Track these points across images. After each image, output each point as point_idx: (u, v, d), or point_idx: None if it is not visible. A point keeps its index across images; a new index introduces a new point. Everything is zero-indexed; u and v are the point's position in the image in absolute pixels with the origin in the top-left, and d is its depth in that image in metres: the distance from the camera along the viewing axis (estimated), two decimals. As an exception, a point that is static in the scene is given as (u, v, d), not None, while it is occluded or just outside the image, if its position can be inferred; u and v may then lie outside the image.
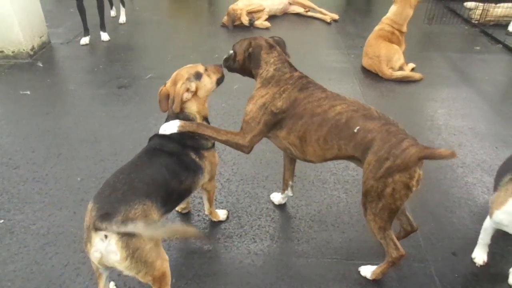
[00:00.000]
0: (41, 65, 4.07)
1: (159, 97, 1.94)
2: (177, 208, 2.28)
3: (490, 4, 5.31)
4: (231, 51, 2.12)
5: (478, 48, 4.76)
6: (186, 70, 1.94)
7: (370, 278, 1.96)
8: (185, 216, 2.31)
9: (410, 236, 2.06)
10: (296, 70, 2.01)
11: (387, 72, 3.87)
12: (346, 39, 4.94)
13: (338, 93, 1.95)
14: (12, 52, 4.11)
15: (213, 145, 2.02)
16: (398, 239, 1.92)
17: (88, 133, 2.99)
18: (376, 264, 1.96)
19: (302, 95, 1.91)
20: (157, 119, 3.12)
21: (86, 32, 4.56)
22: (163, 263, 1.61)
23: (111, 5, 5.39)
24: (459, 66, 4.27)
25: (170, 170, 1.77)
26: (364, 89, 3.71)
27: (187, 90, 1.88)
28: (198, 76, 1.94)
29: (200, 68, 1.97)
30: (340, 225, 2.24)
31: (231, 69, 2.16)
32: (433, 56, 4.48)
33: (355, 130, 1.77)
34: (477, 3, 5.58)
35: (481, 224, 2.06)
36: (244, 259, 2.04)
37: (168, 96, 1.91)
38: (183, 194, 1.86)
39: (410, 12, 3.94)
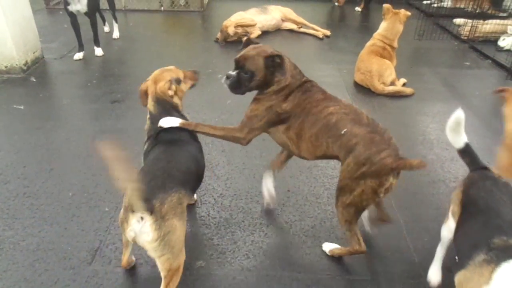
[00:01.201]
0: (34, 80, 4.06)
1: (139, 93, 2.09)
2: None
3: (479, 21, 5.42)
4: (233, 73, 2.04)
5: (468, 63, 4.85)
6: (168, 73, 2.08)
7: (328, 253, 2.16)
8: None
9: (403, 252, 2.05)
10: (303, 75, 2.12)
11: (379, 87, 3.91)
12: (338, 54, 5.00)
13: (336, 96, 2.08)
14: (5, 67, 4.10)
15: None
16: (374, 222, 2.23)
17: (81, 147, 2.97)
18: (370, 283, 1.94)
19: (304, 97, 2.03)
20: (150, 134, 3.12)
21: (80, 47, 4.57)
22: (183, 257, 1.74)
23: (104, 21, 5.41)
24: (449, 81, 4.34)
25: (195, 157, 1.95)
26: (357, 104, 3.74)
27: (168, 89, 2.04)
28: (178, 81, 2.11)
29: (180, 74, 2.14)
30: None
31: (242, 92, 2.09)
32: (424, 72, 4.55)
33: (342, 132, 1.91)
34: (466, 20, 5.71)
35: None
36: (237, 275, 2.02)
37: (146, 92, 2.06)
38: (201, 176, 2.03)
39: (400, 27, 4.01)
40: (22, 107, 3.54)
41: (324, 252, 2.16)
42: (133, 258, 2.06)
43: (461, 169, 2.88)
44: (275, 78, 2.02)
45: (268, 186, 2.44)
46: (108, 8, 5.20)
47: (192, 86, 2.23)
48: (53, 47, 4.86)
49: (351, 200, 1.90)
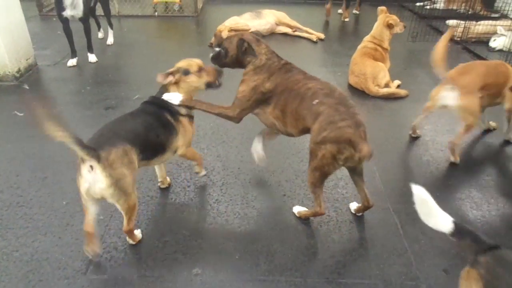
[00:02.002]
0: (27, 87, 4.04)
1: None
2: (159, 184, 2.63)
3: (471, 22, 5.46)
4: (217, 49, 2.45)
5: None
6: (185, 63, 2.32)
7: (297, 215, 2.39)
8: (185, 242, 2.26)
9: (400, 254, 2.04)
10: (282, 59, 2.38)
11: (373, 89, 3.92)
12: (333, 57, 5.01)
13: (315, 76, 2.33)
14: (-2, 74, 4.08)
15: (190, 115, 2.37)
16: (359, 211, 2.42)
17: (75, 155, 2.93)
18: (367, 286, 1.93)
19: (285, 76, 2.29)
20: (144, 140, 3.10)
21: (73, 54, 4.55)
22: (136, 196, 2.00)
23: (99, 27, 5.42)
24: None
25: (148, 125, 2.15)
26: (352, 107, 3.75)
27: (171, 74, 2.26)
28: (186, 72, 2.29)
29: (193, 67, 2.31)
30: (330, 245, 2.22)
31: (222, 65, 2.45)
32: (418, 73, 4.57)
33: (314, 103, 2.13)
34: (459, 21, 5.74)
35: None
36: (234, 281, 2.00)
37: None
38: (159, 147, 2.21)
39: (385, 30, 4.04)
40: (17, 113, 3.51)
41: (321, 256, 2.14)
42: (98, 250, 2.11)
43: (457, 170, 2.88)
44: (247, 58, 2.36)
45: (257, 149, 2.68)
46: (103, 14, 5.18)
47: (210, 85, 2.37)
48: (46, 54, 4.84)
49: (316, 164, 2.11)
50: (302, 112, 2.18)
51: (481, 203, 2.56)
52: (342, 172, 2.81)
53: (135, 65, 4.64)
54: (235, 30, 5.18)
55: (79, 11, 4.28)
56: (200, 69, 2.31)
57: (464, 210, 2.50)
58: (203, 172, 2.72)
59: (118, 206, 1.96)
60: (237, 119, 2.39)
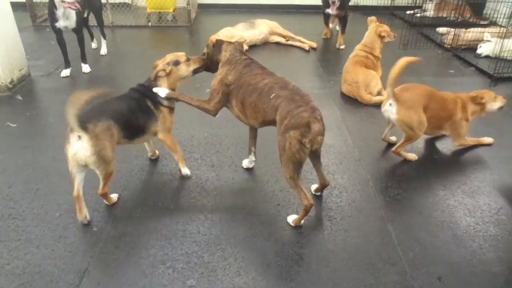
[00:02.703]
0: (20, 98, 4.02)
1: (153, 67, 2.66)
2: (149, 155, 3.02)
3: (461, 29, 5.54)
4: (203, 57, 2.79)
5: (452, 71, 4.93)
6: (172, 56, 2.65)
7: (292, 225, 2.41)
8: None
9: (394, 263, 2.05)
10: (246, 55, 2.64)
11: (366, 97, 3.95)
12: (325, 66, 5.05)
13: (272, 72, 2.53)
14: (-10, 86, 4.06)
15: (171, 107, 2.67)
16: (318, 190, 2.65)
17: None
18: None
19: (244, 70, 2.50)
20: (138, 151, 3.09)
21: (67, 64, 4.55)
22: (114, 165, 2.33)
23: (92, 37, 5.42)
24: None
25: (130, 107, 2.47)
26: (344, 115, 3.78)
27: (163, 69, 2.58)
28: (176, 63, 2.63)
29: (181, 57, 2.66)
30: (325, 254, 2.22)
31: (207, 69, 2.78)
32: (409, 80, 4.54)
33: (271, 97, 2.32)
34: (449, 29, 5.82)
35: (466, 248, 2.06)
36: (228, 293, 1.99)
37: (155, 67, 2.64)
38: (139, 128, 2.53)
39: (377, 39, 4.09)
40: (10, 124, 3.50)
41: (316, 266, 2.14)
42: (87, 214, 2.41)
43: (450, 177, 2.90)
44: (217, 55, 2.68)
45: (246, 164, 2.96)
46: (96, 24, 5.19)
47: (196, 71, 2.71)
48: (39, 65, 4.83)
49: (287, 155, 2.21)
50: (262, 106, 2.37)
51: (474, 210, 2.58)
52: (336, 181, 2.83)
53: (128, 75, 4.65)
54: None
55: (72, 22, 4.28)
56: (188, 59, 2.66)
57: (458, 217, 2.52)
58: (187, 171, 2.83)
59: (98, 172, 2.28)
60: (213, 111, 2.65)
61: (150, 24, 6.57)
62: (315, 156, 2.46)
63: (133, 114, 2.49)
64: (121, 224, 2.42)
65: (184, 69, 2.66)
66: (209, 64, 2.75)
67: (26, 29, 6.02)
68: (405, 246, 2.28)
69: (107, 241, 2.30)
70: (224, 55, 2.63)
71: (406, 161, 3.08)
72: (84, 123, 2.13)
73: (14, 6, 4.30)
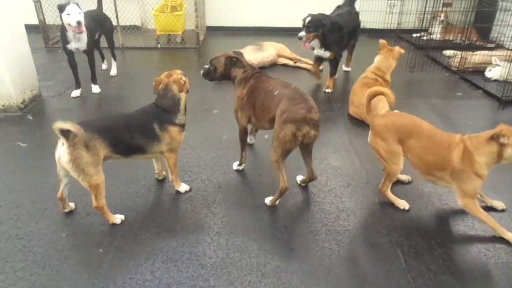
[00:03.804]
0: (31, 118, 4.08)
1: (155, 83, 2.67)
2: (155, 175, 3.04)
3: (468, 52, 5.56)
4: (207, 66, 3.07)
5: (459, 94, 4.93)
6: (176, 71, 2.71)
7: (269, 204, 2.74)
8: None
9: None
10: (254, 68, 2.99)
11: (373, 119, 3.94)
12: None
13: (277, 78, 2.90)
14: (2, 105, 4.13)
15: (182, 125, 2.70)
16: (304, 182, 2.94)
17: (76, 187, 2.91)
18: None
19: (254, 82, 2.88)
20: (145, 171, 3.11)
21: (77, 85, 4.63)
22: (99, 178, 2.40)
23: (103, 58, 5.53)
24: (442, 112, 4.40)
25: (126, 127, 2.53)
26: (352, 137, 3.77)
27: (180, 79, 2.66)
28: (184, 75, 2.76)
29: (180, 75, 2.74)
30: (333, 279, 2.18)
31: (212, 79, 3.04)
32: (416, 103, 4.62)
33: (275, 93, 2.68)
34: (455, 51, 5.85)
35: (477, 275, 2.00)
36: (234, 318, 1.96)
37: (160, 83, 2.66)
38: (134, 148, 2.58)
39: (393, 63, 4.09)
40: (20, 143, 3.54)
41: (323, 291, 2.11)
42: (72, 205, 2.70)
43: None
44: (232, 72, 2.98)
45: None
46: (107, 46, 5.30)
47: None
48: (51, 85, 4.92)
49: (279, 142, 2.53)
50: (267, 103, 2.71)
51: (485, 236, 2.53)
52: (344, 204, 2.80)
53: (137, 95, 4.71)
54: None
55: (83, 44, 4.38)
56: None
57: (468, 243, 2.47)
58: (180, 189, 2.90)
59: (81, 182, 2.38)
60: (242, 128, 3.07)
61: (159, 46, 6.70)
62: (307, 150, 2.74)
63: (127, 133, 2.52)
64: (126, 246, 2.41)
65: (188, 83, 2.77)
66: (216, 77, 3.05)
67: (38, 50, 6.17)
68: (415, 272, 2.24)
69: (113, 262, 2.28)
70: (240, 73, 2.95)
71: (414, 183, 3.05)
72: (68, 131, 2.24)
73: (28, 28, 4.42)
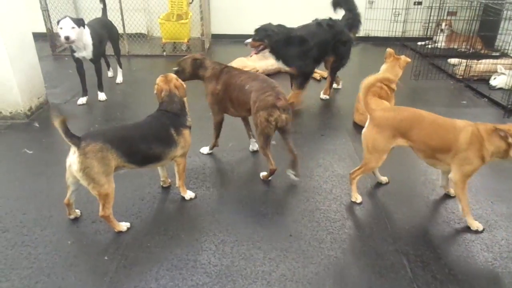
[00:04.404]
0: (38, 125, 4.11)
1: (157, 92, 2.73)
2: (161, 183, 3.05)
3: (473, 60, 5.56)
4: (175, 68, 3.28)
5: (464, 102, 4.92)
6: (171, 75, 2.79)
7: (262, 178, 3.13)
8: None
9: None
10: (221, 64, 3.26)
11: (378, 127, 3.94)
12: (336, 95, 5.09)
13: (248, 71, 3.33)
14: (10, 113, 4.17)
15: (190, 127, 2.77)
16: (292, 166, 3.07)
17: (81, 194, 2.93)
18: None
19: (227, 76, 3.16)
20: (151, 178, 3.12)
21: (84, 92, 4.67)
22: (109, 188, 2.39)
23: (108, 66, 5.58)
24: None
25: (143, 137, 2.54)
26: (357, 145, 3.77)
27: (181, 83, 2.75)
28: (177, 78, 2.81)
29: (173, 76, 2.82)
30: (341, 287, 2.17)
31: (183, 79, 3.00)
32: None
33: (247, 87, 2.99)
34: (460, 60, 5.85)
35: (484, 284, 1.98)
36: (239, 327, 1.94)
37: (162, 90, 2.70)
38: (151, 158, 2.59)
39: (399, 72, 4.09)
40: (27, 151, 3.56)
41: (328, 300, 2.09)
42: (78, 212, 2.72)
43: (465, 210, 2.84)
44: (199, 72, 3.25)
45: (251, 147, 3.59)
46: (113, 53, 5.35)
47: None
48: (57, 92, 4.97)
49: (259, 130, 2.89)
50: (242, 97, 3.02)
51: (492, 245, 2.51)
52: (348, 212, 2.79)
53: (143, 103, 4.74)
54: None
55: (89, 53, 4.45)
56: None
57: (475, 252, 2.45)
58: (186, 196, 2.92)
59: (91, 191, 2.38)
60: (219, 121, 3.35)
61: (165, 53, 6.75)
62: (284, 132, 2.96)
63: (144, 144, 2.52)
64: (131, 253, 2.41)
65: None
66: (186, 77, 3.25)
67: (45, 58, 6.23)
68: (422, 282, 2.22)
69: (118, 270, 2.28)
70: (208, 71, 3.21)
71: (419, 192, 3.04)
72: (78, 139, 2.29)
73: (35, 36, 4.47)
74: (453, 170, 2.61)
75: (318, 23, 4.51)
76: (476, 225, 2.64)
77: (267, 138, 2.90)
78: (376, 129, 2.71)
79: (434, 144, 2.61)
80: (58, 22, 4.18)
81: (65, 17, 4.18)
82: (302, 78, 4.40)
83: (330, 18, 4.63)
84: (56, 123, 2.22)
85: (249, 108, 2.97)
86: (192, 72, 3.25)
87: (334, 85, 5.18)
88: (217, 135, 3.44)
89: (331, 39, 4.53)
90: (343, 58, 4.76)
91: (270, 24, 4.25)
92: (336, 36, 4.55)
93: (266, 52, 4.33)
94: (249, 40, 4.24)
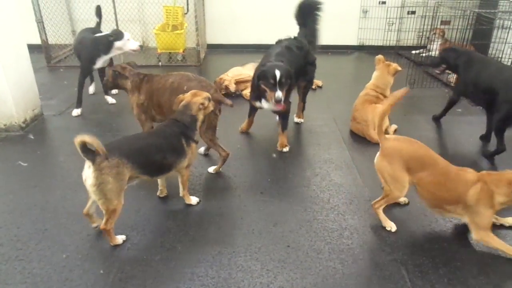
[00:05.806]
0: (32, 137, 4.08)
1: (176, 100, 2.77)
2: (157, 193, 3.03)
3: (467, 69, 5.59)
4: (105, 78, 3.62)
5: (459, 110, 4.93)
6: (202, 93, 2.77)
7: (213, 172, 3.33)
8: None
9: None
10: (139, 74, 3.28)
11: (375, 136, 3.94)
12: (333, 104, 5.10)
13: (171, 73, 3.23)
14: (4, 125, 4.14)
15: (197, 141, 2.79)
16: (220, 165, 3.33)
17: (76, 206, 2.92)
18: None
19: (148, 85, 3.22)
20: (148, 191, 3.09)
21: (79, 104, 4.65)
22: (118, 204, 2.38)
23: (91, 81, 5.40)
24: (443, 128, 4.41)
25: (158, 147, 2.55)
26: (353, 154, 3.77)
27: (202, 104, 2.72)
28: (209, 99, 2.79)
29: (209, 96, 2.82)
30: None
31: (110, 88, 3.43)
32: (417, 119, 4.63)
33: (185, 88, 3.00)
34: (454, 68, 5.88)
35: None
36: None
37: (182, 101, 2.74)
38: (164, 167, 2.63)
39: (390, 79, 4.13)
40: (22, 163, 3.53)
41: (328, 312, 2.07)
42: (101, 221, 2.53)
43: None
44: (119, 83, 3.31)
45: None
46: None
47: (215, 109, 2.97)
48: (52, 104, 4.94)
49: (206, 125, 3.07)
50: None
51: (492, 255, 2.50)
52: (347, 222, 2.78)
53: (139, 113, 4.72)
54: (240, 82, 5.34)
55: (106, 61, 4.65)
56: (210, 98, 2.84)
57: (474, 261, 2.44)
58: (192, 201, 2.96)
59: (99, 205, 2.35)
60: (149, 128, 3.36)
61: (160, 63, 6.75)
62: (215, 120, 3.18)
63: (159, 154, 2.55)
64: (128, 267, 2.37)
65: (210, 107, 2.81)
66: (111, 86, 3.44)
67: (40, 69, 6.21)
68: (421, 292, 2.20)
69: (114, 284, 2.25)
70: (128, 82, 3.27)
71: (417, 201, 3.03)
72: (93, 154, 2.24)
73: (30, 48, 4.45)
74: (470, 228, 2.53)
75: (287, 47, 3.94)
76: None
77: (214, 131, 3.16)
78: (386, 160, 2.59)
79: (443, 196, 2.51)
80: (119, 36, 4.45)
81: (121, 31, 4.57)
82: (287, 114, 3.80)
83: (295, 38, 4.17)
84: (76, 142, 2.20)
85: None
86: (113, 83, 3.34)
87: (296, 119, 4.53)
88: None
89: (303, 62, 4.04)
90: (311, 79, 4.36)
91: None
92: (305, 58, 4.09)
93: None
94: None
